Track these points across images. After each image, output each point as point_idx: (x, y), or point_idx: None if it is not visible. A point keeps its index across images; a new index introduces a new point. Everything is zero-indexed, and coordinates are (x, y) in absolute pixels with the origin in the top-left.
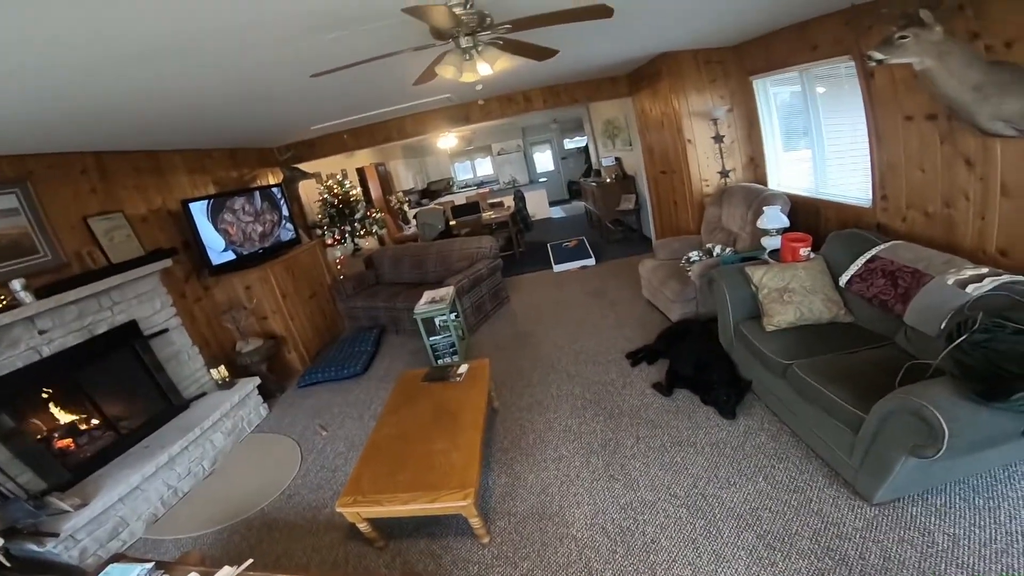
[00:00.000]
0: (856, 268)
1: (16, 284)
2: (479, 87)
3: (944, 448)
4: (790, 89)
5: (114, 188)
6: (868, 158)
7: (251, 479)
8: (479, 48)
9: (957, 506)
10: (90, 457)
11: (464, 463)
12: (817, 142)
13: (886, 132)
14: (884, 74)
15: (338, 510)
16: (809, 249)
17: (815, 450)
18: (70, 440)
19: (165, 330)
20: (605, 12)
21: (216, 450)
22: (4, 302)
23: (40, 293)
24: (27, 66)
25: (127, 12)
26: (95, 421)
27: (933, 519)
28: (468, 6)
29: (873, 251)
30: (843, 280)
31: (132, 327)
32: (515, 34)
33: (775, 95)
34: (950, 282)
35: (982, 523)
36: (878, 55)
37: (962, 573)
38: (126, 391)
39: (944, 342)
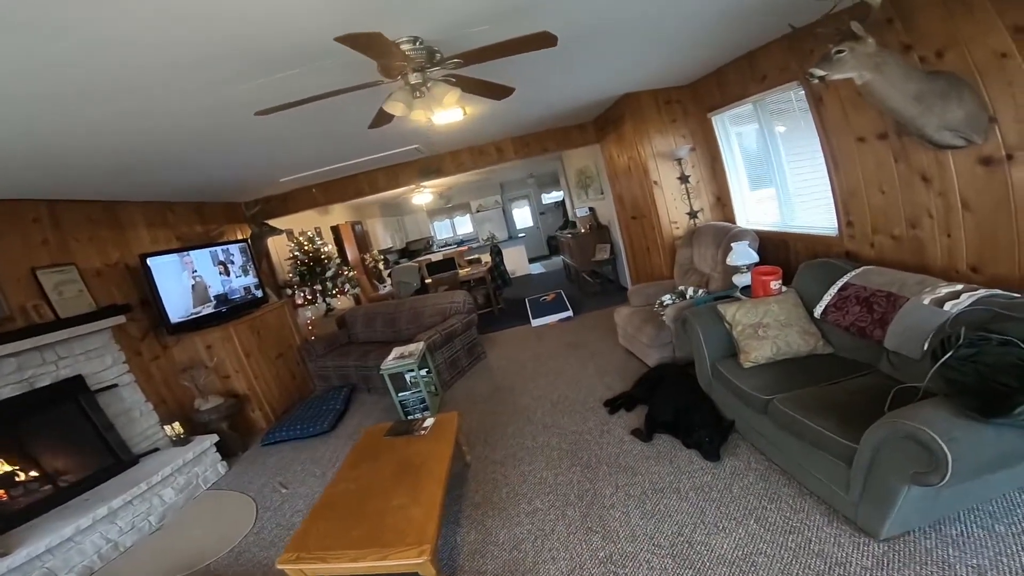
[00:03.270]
0: (829, 298)
1: None
2: (439, 128)
3: (949, 473)
4: (749, 127)
5: (67, 240)
6: (828, 186)
7: (200, 535)
8: (429, 84)
9: (976, 535)
10: (23, 509)
11: (423, 518)
12: (779, 176)
13: (842, 156)
14: (832, 97)
15: (279, 566)
16: (780, 282)
17: (808, 487)
18: (2, 491)
19: (114, 385)
20: (549, 40)
21: (165, 506)
22: None
23: None
24: None
25: (69, 45)
26: (33, 473)
27: (951, 551)
28: (417, 43)
29: (844, 278)
30: (818, 311)
31: (78, 382)
32: (469, 70)
33: (737, 135)
34: (926, 302)
35: (1008, 551)
36: (819, 72)
37: None
38: (69, 445)
39: (930, 362)
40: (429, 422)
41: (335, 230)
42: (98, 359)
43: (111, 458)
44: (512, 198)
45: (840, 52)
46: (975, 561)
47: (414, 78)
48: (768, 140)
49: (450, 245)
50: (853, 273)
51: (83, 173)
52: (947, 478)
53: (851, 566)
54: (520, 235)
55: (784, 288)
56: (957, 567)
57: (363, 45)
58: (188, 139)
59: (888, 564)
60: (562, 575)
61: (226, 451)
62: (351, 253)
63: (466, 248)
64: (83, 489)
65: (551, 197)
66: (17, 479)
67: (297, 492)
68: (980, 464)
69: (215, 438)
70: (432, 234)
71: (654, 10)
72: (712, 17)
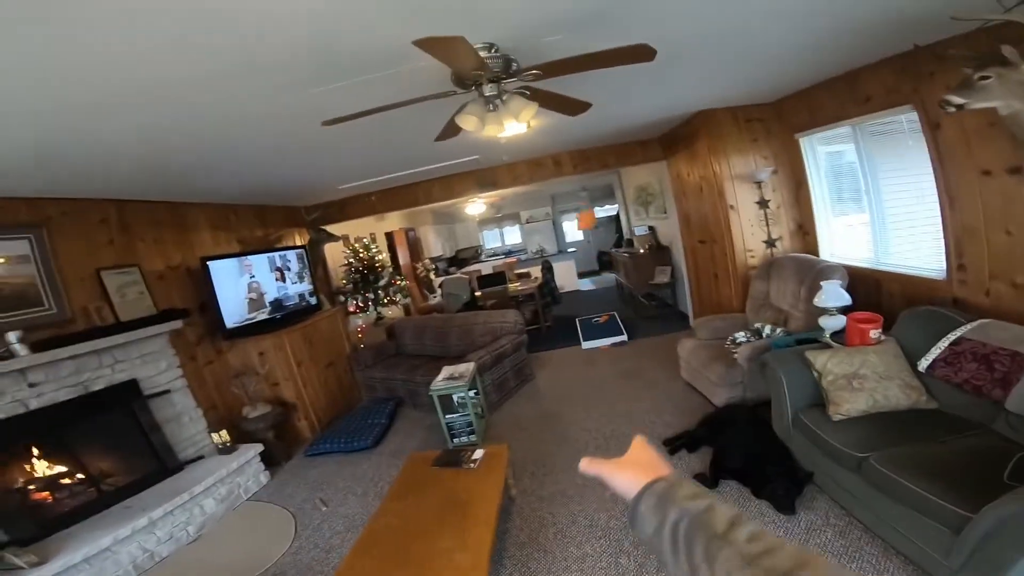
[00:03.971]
0: (938, 352)
1: (12, 336)
2: (503, 141)
3: None
4: (842, 147)
5: (132, 241)
6: (939, 222)
7: (237, 550)
8: (504, 97)
9: None
10: (66, 512)
11: (471, 566)
12: (876, 205)
13: (960, 190)
14: (953, 125)
15: None
16: (880, 331)
17: (894, 546)
18: (48, 493)
19: (167, 391)
20: (646, 54)
21: (205, 516)
22: None
23: (37, 347)
24: (41, 101)
25: (133, 51)
26: (78, 476)
27: None
28: (493, 50)
29: (958, 332)
30: (923, 365)
31: (132, 386)
32: (544, 83)
33: (825, 154)
34: None
35: None
36: (957, 99)
37: None
38: (116, 449)
39: None
40: (478, 454)
41: (389, 236)
42: (153, 363)
43: (156, 464)
44: (563, 210)
45: (985, 78)
46: None
47: (489, 89)
48: (866, 164)
49: (499, 255)
50: (969, 327)
51: (151, 175)
52: None
53: None
54: (570, 249)
55: (883, 337)
56: None
57: (443, 50)
58: (255, 144)
59: None
60: None
61: (269, 460)
62: (403, 260)
63: (515, 260)
64: (126, 495)
65: (604, 211)
66: (63, 482)
67: (337, 511)
68: None
69: (260, 447)
70: (481, 243)
71: (757, 21)
72: (823, 32)
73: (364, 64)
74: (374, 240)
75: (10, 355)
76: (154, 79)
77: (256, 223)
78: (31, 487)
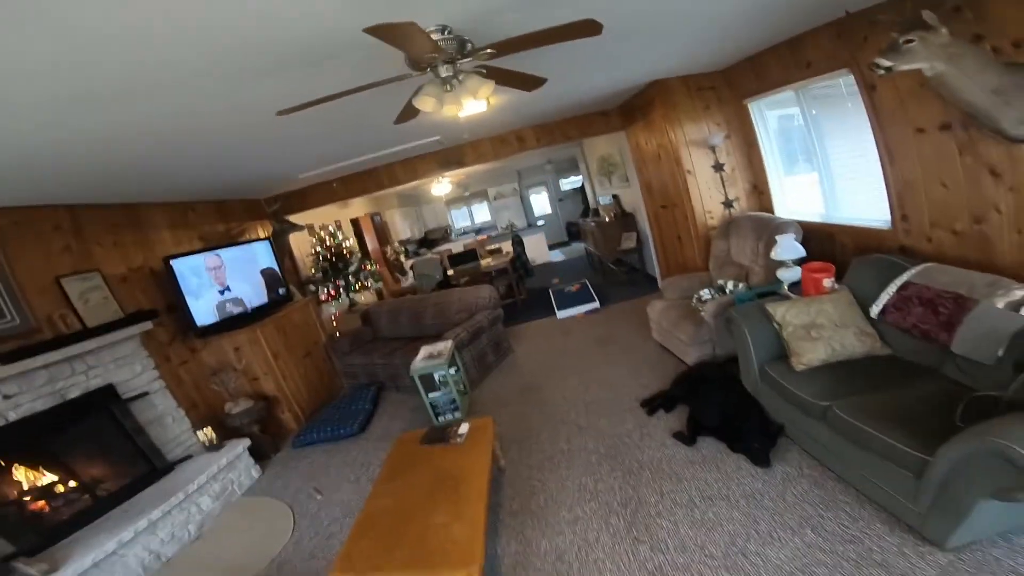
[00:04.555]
0: (888, 297)
1: None
2: (463, 120)
3: None
4: (791, 110)
5: (90, 246)
6: (882, 176)
7: (240, 545)
8: (460, 77)
9: None
10: (65, 520)
11: (467, 537)
12: (823, 164)
13: (898, 147)
14: (887, 86)
15: None
16: (833, 280)
17: (867, 494)
18: (44, 503)
19: (145, 393)
20: (593, 29)
21: (203, 514)
22: None
23: (6, 358)
24: None
25: (86, 43)
26: (71, 484)
27: (1021, 559)
28: (446, 32)
29: (904, 276)
30: (875, 311)
31: (109, 391)
32: (499, 61)
33: (773, 118)
34: (1000, 305)
35: None
36: (885, 62)
37: None
38: (104, 454)
39: (1012, 371)
40: (464, 428)
41: (355, 223)
42: (128, 367)
43: (147, 466)
44: (530, 185)
45: (909, 42)
46: None
47: (444, 71)
48: (811, 125)
49: (468, 233)
50: (914, 271)
51: (104, 177)
52: None
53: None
54: (539, 222)
55: (837, 285)
56: None
57: (394, 36)
58: (210, 139)
59: (955, 573)
60: None
61: (258, 454)
62: (371, 245)
63: (486, 237)
64: (122, 499)
65: (569, 183)
66: (57, 491)
67: (332, 499)
68: None
69: (247, 442)
70: (450, 223)
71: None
72: (764, 3)
73: (315, 52)
74: (339, 227)
75: None
76: (100, 84)
77: (216, 218)
78: (27, 498)
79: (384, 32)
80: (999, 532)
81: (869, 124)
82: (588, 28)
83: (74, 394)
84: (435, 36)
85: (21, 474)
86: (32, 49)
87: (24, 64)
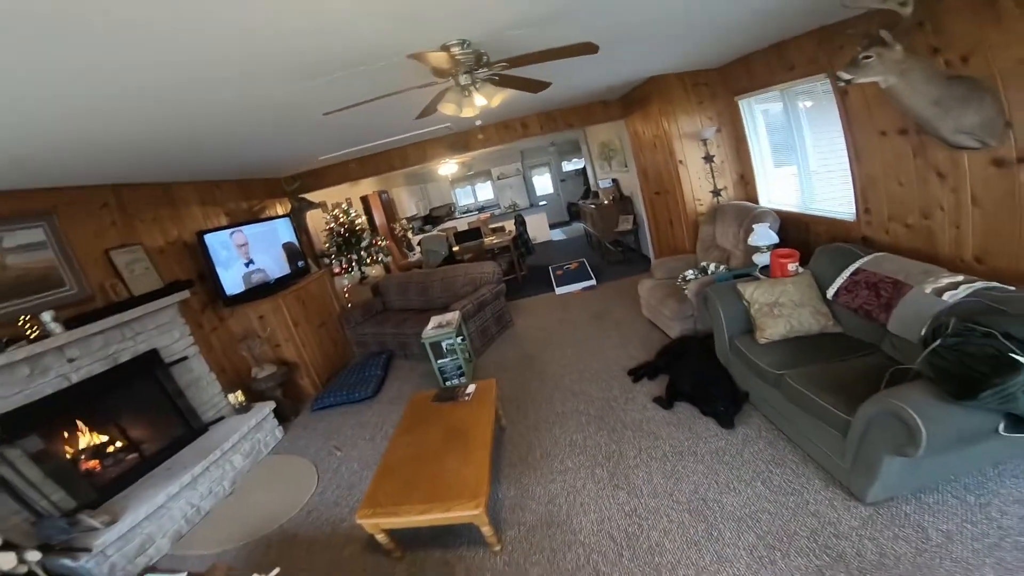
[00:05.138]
0: (842, 280)
1: (46, 316)
2: (478, 122)
3: (923, 446)
4: (775, 106)
5: (132, 221)
6: (849, 173)
7: (270, 498)
8: (477, 85)
9: (950, 503)
10: (115, 478)
11: (475, 477)
12: (801, 158)
13: (863, 147)
14: (857, 91)
15: (358, 521)
16: (797, 264)
17: (810, 454)
18: (96, 462)
19: (184, 358)
20: (590, 49)
21: (235, 471)
22: (36, 332)
23: (68, 324)
24: (57, 98)
25: (145, 49)
26: (119, 444)
27: (927, 516)
28: (465, 46)
29: (857, 263)
30: (830, 293)
31: (153, 355)
32: (510, 70)
33: (762, 112)
34: (928, 291)
35: (974, 519)
36: (845, 75)
37: (956, 567)
38: (148, 415)
39: (921, 347)
40: (471, 388)
41: (364, 200)
42: (168, 333)
43: (184, 427)
44: (532, 165)
45: (868, 58)
46: (945, 526)
47: (464, 79)
48: (792, 121)
49: (472, 211)
50: (865, 259)
51: (144, 158)
52: (921, 450)
53: (841, 525)
54: (541, 202)
55: (801, 269)
56: (929, 530)
57: (429, 60)
58: (251, 129)
59: (872, 524)
60: (592, 525)
61: (280, 416)
62: (379, 221)
63: (489, 215)
64: (164, 458)
65: (572, 165)
66: (109, 449)
67: (351, 455)
68: (949, 440)
69: (272, 405)
70: (454, 201)
71: (695, 8)
72: (746, 15)
73: (354, 61)
74: (350, 204)
75: (47, 334)
76: (160, 82)
77: (240, 196)
78: (81, 457)
79: (422, 58)
80: (912, 491)
81: (841, 125)
82: (586, 48)
83: (124, 358)
84: (455, 49)
85: (82, 434)
86: (116, 53)
87: (103, 65)
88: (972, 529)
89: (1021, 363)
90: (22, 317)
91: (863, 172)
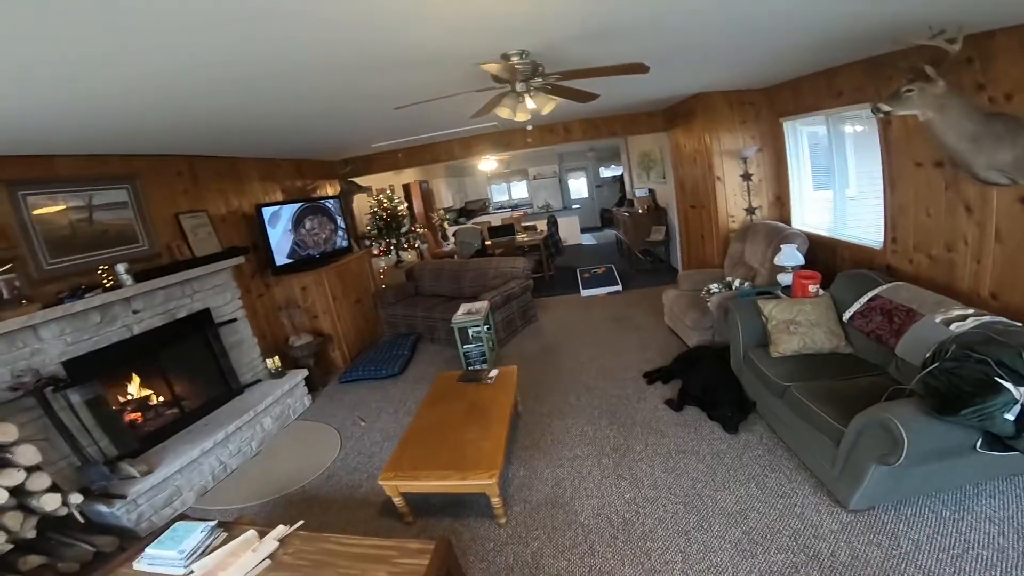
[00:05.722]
0: (859, 305)
1: (121, 267)
2: (529, 127)
3: (903, 455)
4: (816, 130)
5: (201, 190)
6: (882, 201)
7: (294, 460)
8: (531, 92)
9: (925, 516)
10: (154, 431)
11: (492, 450)
12: (840, 183)
13: (899, 176)
14: (899, 121)
15: (380, 483)
16: (818, 286)
17: (805, 462)
18: (139, 414)
19: (233, 319)
20: (642, 69)
21: (264, 433)
22: (111, 282)
23: (138, 277)
24: (151, 82)
25: (235, 39)
26: (163, 398)
27: (901, 526)
28: (524, 56)
29: (876, 290)
30: (846, 316)
31: (206, 314)
32: (563, 81)
33: (808, 134)
34: (938, 320)
35: (944, 531)
36: (885, 107)
37: (919, 573)
38: (193, 373)
39: (920, 369)
40: (494, 373)
41: (406, 187)
42: (221, 295)
43: (224, 387)
44: (569, 169)
45: (909, 91)
46: (916, 536)
47: (520, 87)
48: (834, 146)
49: (505, 208)
50: (884, 287)
51: (219, 134)
52: (902, 459)
53: (822, 528)
54: (574, 205)
55: (821, 291)
56: (901, 539)
57: (495, 69)
58: (329, 114)
59: (850, 530)
60: (593, 509)
61: (310, 386)
62: (418, 209)
63: (523, 214)
64: (202, 414)
65: (609, 171)
66: (151, 404)
67: (374, 426)
68: (929, 451)
69: (305, 373)
70: (489, 196)
71: (753, 35)
72: (804, 41)
73: (423, 61)
74: (393, 191)
75: (119, 284)
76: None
77: (295, 174)
78: (128, 408)
79: (490, 67)
80: (893, 502)
81: (880, 153)
82: (638, 68)
83: (181, 314)
84: (515, 58)
85: (133, 385)
86: (217, 43)
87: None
88: (941, 540)
89: (1004, 387)
90: (101, 267)
91: (896, 201)
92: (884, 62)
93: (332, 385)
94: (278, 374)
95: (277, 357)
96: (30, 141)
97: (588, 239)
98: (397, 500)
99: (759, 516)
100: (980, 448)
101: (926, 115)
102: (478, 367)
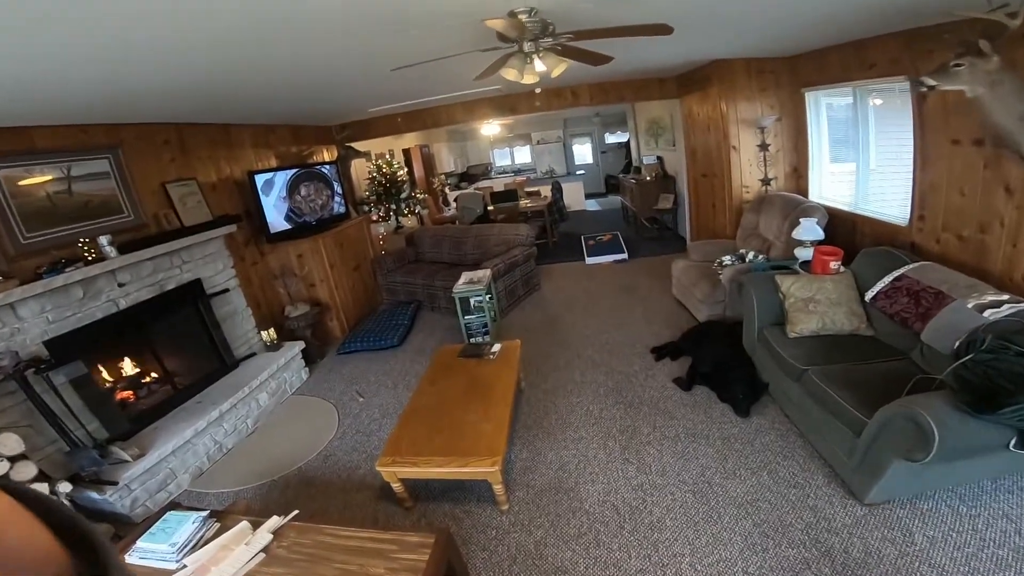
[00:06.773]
0: (883, 285)
1: (103, 239)
2: (538, 90)
3: (933, 452)
4: (840, 101)
5: (190, 159)
6: (910, 177)
7: (291, 439)
8: (540, 53)
9: (942, 512)
10: (147, 410)
11: (494, 433)
12: (863, 156)
13: (932, 153)
14: (937, 97)
15: (378, 469)
16: (839, 263)
17: (819, 451)
18: (131, 392)
19: (226, 290)
20: (665, 30)
21: (260, 409)
22: (93, 255)
23: (122, 249)
24: (132, 41)
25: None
26: (155, 375)
27: (917, 522)
28: (532, 14)
29: (902, 270)
30: (869, 295)
31: (197, 285)
32: (574, 41)
33: (827, 106)
34: (970, 305)
35: (960, 528)
36: (931, 81)
37: (932, 571)
38: (185, 347)
39: (952, 359)
40: (496, 347)
41: (406, 152)
42: (212, 265)
43: (218, 362)
44: (574, 134)
45: (959, 66)
46: (931, 533)
47: (528, 47)
48: (860, 119)
49: (507, 173)
50: (911, 266)
51: (209, 102)
52: (931, 456)
53: (835, 521)
54: (579, 171)
55: (842, 269)
56: (916, 535)
57: (501, 27)
58: (323, 78)
59: (864, 525)
60: (599, 495)
61: (307, 358)
62: (419, 174)
63: (526, 179)
64: (196, 391)
65: (615, 137)
66: (144, 381)
67: (372, 402)
68: (958, 449)
69: (302, 345)
70: (491, 161)
71: (774, 8)
72: (839, 11)
73: (428, 21)
74: (393, 156)
75: (103, 257)
76: (239, 31)
77: (291, 140)
78: (117, 386)
79: (495, 24)
80: (910, 496)
81: (912, 128)
82: (661, 29)
83: (170, 286)
84: (523, 16)
85: (121, 363)
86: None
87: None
88: (956, 538)
89: None
90: (81, 240)
91: (927, 178)
92: (923, 34)
93: (330, 357)
94: (274, 347)
95: (272, 329)
96: (8, 113)
97: (592, 205)
98: (396, 485)
99: (771, 507)
100: (1014, 447)
101: (975, 91)
102: (479, 339)
